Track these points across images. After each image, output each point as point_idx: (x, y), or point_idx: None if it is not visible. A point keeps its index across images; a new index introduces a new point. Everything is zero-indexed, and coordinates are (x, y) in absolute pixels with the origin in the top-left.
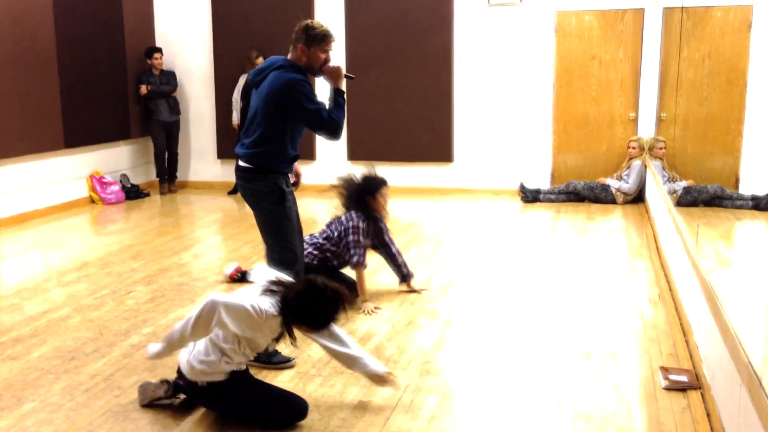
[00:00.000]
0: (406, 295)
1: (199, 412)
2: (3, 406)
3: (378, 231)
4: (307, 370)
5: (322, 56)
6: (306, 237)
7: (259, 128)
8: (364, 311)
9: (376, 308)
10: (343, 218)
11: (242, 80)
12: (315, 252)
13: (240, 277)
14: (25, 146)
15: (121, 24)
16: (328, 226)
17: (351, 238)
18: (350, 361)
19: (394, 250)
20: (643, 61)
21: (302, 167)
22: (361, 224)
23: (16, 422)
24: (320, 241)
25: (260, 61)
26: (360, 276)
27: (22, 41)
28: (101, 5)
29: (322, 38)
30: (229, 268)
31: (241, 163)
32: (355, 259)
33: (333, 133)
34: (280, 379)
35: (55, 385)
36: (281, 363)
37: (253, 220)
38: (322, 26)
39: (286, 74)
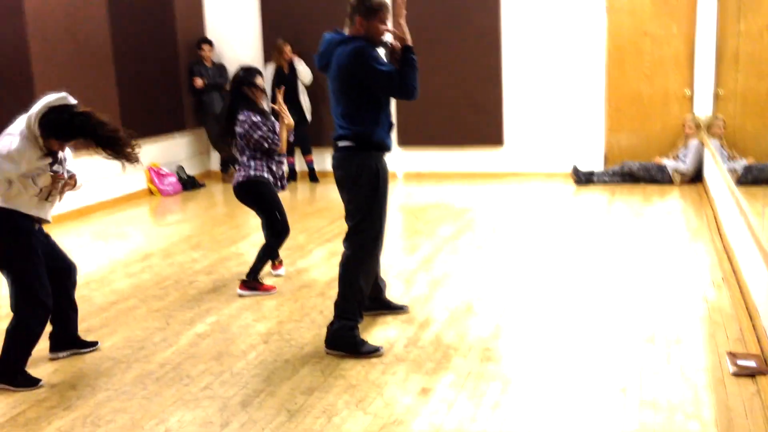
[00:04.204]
0: (462, 281)
1: (283, 396)
2: (79, 395)
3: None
4: (369, 357)
5: (382, 27)
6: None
7: (345, 108)
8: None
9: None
10: (238, 128)
11: (269, 69)
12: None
13: None
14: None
15: (173, 18)
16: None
17: (258, 134)
18: None
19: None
20: (698, 36)
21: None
22: (255, 118)
23: (92, 411)
24: (245, 161)
25: (288, 48)
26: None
27: (80, 39)
28: (153, 0)
29: (379, 8)
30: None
31: (339, 144)
32: (276, 146)
33: (408, 93)
34: (343, 366)
35: (127, 374)
36: (370, 352)
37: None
38: None
39: (350, 45)
